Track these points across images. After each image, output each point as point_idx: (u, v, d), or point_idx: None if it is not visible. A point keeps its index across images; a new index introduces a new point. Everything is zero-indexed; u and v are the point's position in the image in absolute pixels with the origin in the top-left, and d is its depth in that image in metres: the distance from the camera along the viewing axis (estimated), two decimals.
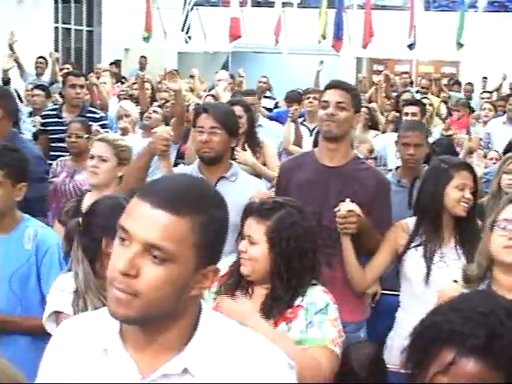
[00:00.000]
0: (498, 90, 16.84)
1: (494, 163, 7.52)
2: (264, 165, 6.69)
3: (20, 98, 10.26)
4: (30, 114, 9.39)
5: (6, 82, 10.48)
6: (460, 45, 20.16)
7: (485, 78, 20.18)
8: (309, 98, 9.49)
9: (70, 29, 20.62)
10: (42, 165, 5.71)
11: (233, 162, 4.92)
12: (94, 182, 4.91)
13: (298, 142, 8.04)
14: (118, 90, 13.76)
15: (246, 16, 20.18)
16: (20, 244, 4.01)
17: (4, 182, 3.91)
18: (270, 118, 9.91)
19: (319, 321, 3.08)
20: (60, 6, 19.72)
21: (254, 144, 6.89)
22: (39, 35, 17.12)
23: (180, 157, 7.58)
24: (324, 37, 20.26)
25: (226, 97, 9.83)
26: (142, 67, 18.79)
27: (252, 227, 3.26)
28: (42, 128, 7.73)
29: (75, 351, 1.95)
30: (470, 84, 17.76)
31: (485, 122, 11.31)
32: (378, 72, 24.90)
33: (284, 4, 20.91)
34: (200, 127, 4.65)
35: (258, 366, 1.88)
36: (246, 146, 6.76)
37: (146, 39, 20.50)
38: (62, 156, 6.67)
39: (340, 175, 4.48)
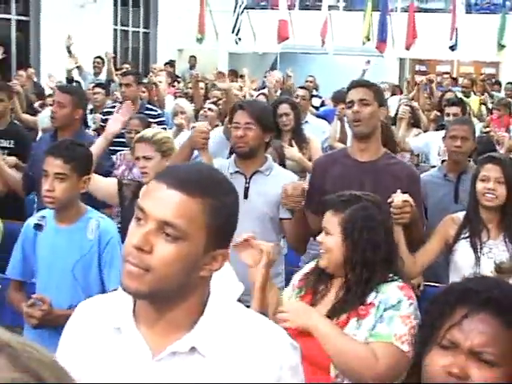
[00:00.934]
0: None
1: None
2: (310, 160, 6.66)
3: None
4: (91, 111, 9.48)
5: (70, 80, 10.61)
6: (501, 46, 20.01)
7: None
8: None
9: (127, 31, 20.75)
10: (107, 159, 5.78)
11: (268, 156, 4.88)
12: (146, 179, 4.86)
13: (342, 140, 8.00)
14: (172, 89, 13.85)
15: (294, 18, 20.15)
16: (83, 234, 4.05)
17: (70, 175, 3.96)
18: (318, 116, 9.88)
19: (389, 316, 2.99)
20: (119, 9, 19.86)
21: (301, 140, 6.91)
22: (99, 37, 17.30)
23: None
24: (368, 38, 20.22)
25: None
26: (192, 66, 18.86)
27: (328, 219, 3.23)
28: (103, 124, 7.69)
29: (91, 329, 1.98)
30: (511, 83, 17.59)
31: None
32: (421, 72, 24.85)
33: (330, 7, 20.94)
34: (236, 123, 4.65)
35: (263, 346, 1.90)
36: (292, 141, 6.77)
37: (199, 40, 20.57)
38: (122, 150, 6.73)
39: (372, 170, 4.47)
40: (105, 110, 8.19)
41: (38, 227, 4.14)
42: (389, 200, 4.06)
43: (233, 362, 1.85)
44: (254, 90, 13.49)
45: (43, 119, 8.58)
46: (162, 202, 1.79)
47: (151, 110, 7.95)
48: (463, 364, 1.83)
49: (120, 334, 1.91)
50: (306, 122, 7.82)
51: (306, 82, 14.61)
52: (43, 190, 3.99)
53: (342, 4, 21.98)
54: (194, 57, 19.38)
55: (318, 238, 3.28)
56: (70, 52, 11.81)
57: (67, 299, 3.94)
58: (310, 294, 3.25)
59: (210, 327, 1.88)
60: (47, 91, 11.31)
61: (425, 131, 9.61)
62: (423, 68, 25.24)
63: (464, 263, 4.36)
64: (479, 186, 4.37)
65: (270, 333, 1.95)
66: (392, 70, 23.00)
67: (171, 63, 18.85)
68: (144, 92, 8.47)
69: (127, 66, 14.09)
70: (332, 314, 3.09)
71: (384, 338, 2.95)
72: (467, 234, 4.43)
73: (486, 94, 14.54)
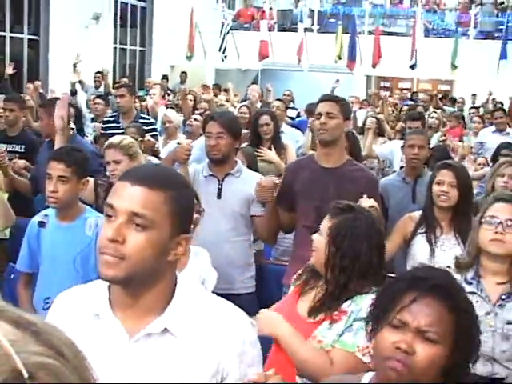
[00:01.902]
0: (484, 105, 16.76)
1: (482, 168, 7.48)
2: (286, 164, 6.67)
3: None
4: (92, 120, 9.41)
5: (74, 92, 10.58)
6: (454, 66, 20.09)
7: (474, 94, 20.12)
8: None
9: (125, 49, 20.66)
10: (96, 159, 5.74)
11: (238, 160, 4.93)
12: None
13: (313, 147, 8.00)
14: (164, 101, 13.79)
15: (274, 39, 20.15)
16: (82, 231, 4.07)
17: (71, 178, 3.99)
18: (292, 126, 9.84)
19: (357, 328, 2.88)
20: (118, 29, 19.80)
21: (279, 147, 6.92)
22: (101, 54, 17.24)
23: None
24: (340, 57, 20.22)
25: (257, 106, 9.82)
26: (183, 81, 18.84)
27: (324, 222, 3.16)
28: (103, 132, 7.73)
29: (71, 316, 1.99)
30: (461, 98, 17.75)
31: (475, 133, 11.24)
32: (385, 88, 24.96)
33: (306, 29, 20.97)
34: (208, 133, 4.69)
35: (227, 325, 1.93)
36: (272, 148, 6.77)
37: (189, 58, 20.52)
38: None
39: (335, 175, 4.48)
40: (104, 119, 8.14)
41: (42, 224, 4.16)
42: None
43: (201, 340, 1.89)
44: (237, 102, 13.50)
45: None
46: (129, 196, 1.83)
47: (145, 118, 7.95)
48: (410, 341, 1.93)
49: (98, 320, 1.93)
50: (282, 131, 7.79)
51: (284, 95, 14.66)
52: (47, 192, 4.01)
53: (316, 27, 21.96)
54: (185, 73, 19.36)
55: (313, 236, 3.23)
56: (75, 68, 11.79)
57: (69, 288, 3.91)
58: (301, 287, 3.22)
59: (179, 310, 1.91)
60: None
61: (389, 139, 9.61)
62: (387, 84, 25.33)
63: (421, 255, 4.43)
64: (435, 188, 4.46)
65: (232, 313, 1.99)
66: (360, 85, 23.03)
67: (165, 78, 18.89)
68: (135, 103, 8.36)
69: (125, 79, 14.07)
70: (310, 313, 3.04)
71: (348, 347, 2.88)
72: (423, 230, 4.53)
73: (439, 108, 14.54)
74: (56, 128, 5.42)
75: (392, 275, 4.87)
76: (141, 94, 14.45)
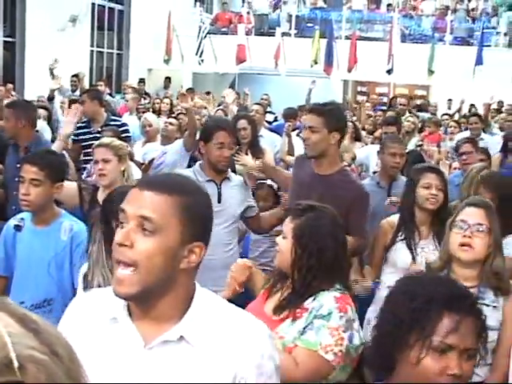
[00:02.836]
0: (458, 111, 16.89)
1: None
2: None
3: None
4: None
5: (51, 98, 10.53)
6: (431, 71, 20.18)
7: (450, 99, 20.20)
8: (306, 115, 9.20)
9: (102, 52, 20.60)
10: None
11: None
12: (104, 183, 4.83)
13: (290, 152, 8.01)
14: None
15: (251, 43, 20.14)
16: (57, 235, 4.03)
17: (44, 181, 3.95)
18: (270, 130, 9.84)
19: (318, 326, 2.90)
20: (95, 32, 19.72)
21: (257, 151, 6.87)
22: (77, 57, 17.15)
23: (194, 162, 7.53)
24: (316, 62, 20.26)
25: (234, 109, 9.77)
26: (166, 86, 18.82)
27: (286, 223, 3.18)
28: (75, 138, 7.69)
29: (88, 320, 1.97)
30: (434, 103, 17.88)
31: (451, 138, 11.30)
32: (362, 93, 25.05)
33: (283, 34, 20.95)
34: (221, 143, 4.70)
35: (245, 336, 1.90)
36: (249, 152, 6.74)
37: (166, 61, 20.45)
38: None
39: (325, 181, 4.49)
40: (77, 126, 8.08)
41: (17, 228, 4.12)
42: None
43: (218, 350, 1.86)
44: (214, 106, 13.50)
45: None
46: (137, 201, 1.84)
47: (116, 120, 7.99)
48: (459, 363, 1.95)
49: (115, 324, 1.91)
50: (261, 135, 7.78)
51: (261, 99, 14.66)
52: (20, 194, 3.98)
53: (293, 31, 21.98)
54: (169, 78, 19.35)
55: (276, 239, 3.26)
56: (52, 73, 11.70)
57: (43, 293, 3.95)
58: (269, 289, 3.23)
59: (197, 318, 1.88)
60: None
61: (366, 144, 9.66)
62: (364, 89, 25.40)
63: (402, 262, 4.44)
64: (423, 192, 4.46)
65: (251, 324, 1.96)
66: (337, 90, 23.12)
67: (142, 81, 18.85)
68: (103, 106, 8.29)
69: (101, 83, 14.01)
70: (275, 311, 3.05)
71: (310, 346, 2.88)
72: (403, 237, 4.52)
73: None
74: (62, 134, 5.65)
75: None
76: (117, 97, 14.40)
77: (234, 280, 3.48)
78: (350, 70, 19.95)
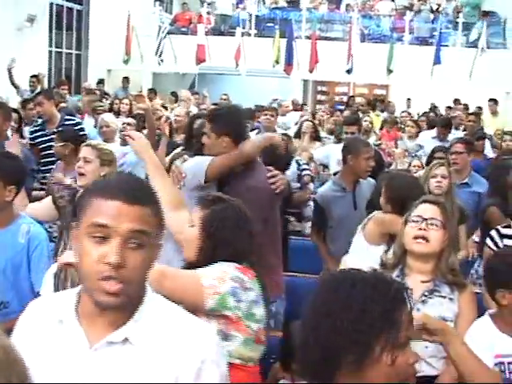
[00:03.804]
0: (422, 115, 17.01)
1: (417, 170, 7.61)
2: None
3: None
4: (26, 124, 9.25)
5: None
6: (390, 71, 20.32)
7: (409, 99, 20.39)
8: (266, 114, 9.24)
9: (61, 52, 20.39)
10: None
11: None
12: (80, 183, 4.85)
13: None
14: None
15: (211, 43, 20.14)
16: (15, 237, 3.98)
17: None
18: None
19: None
20: (54, 32, 19.52)
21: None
22: (36, 57, 16.95)
23: None
24: (277, 62, 20.30)
25: (194, 110, 9.80)
26: (125, 87, 18.73)
27: (194, 214, 3.31)
28: (31, 142, 7.68)
29: (38, 323, 1.97)
30: (390, 101, 18.06)
31: (409, 136, 11.41)
32: (322, 92, 25.15)
33: (243, 33, 21.01)
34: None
35: (188, 340, 1.90)
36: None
37: (126, 62, 20.36)
38: (51, 161, 6.81)
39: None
40: (32, 129, 8.07)
41: None
42: None
43: (161, 353, 1.87)
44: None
45: None
46: (127, 216, 1.80)
47: (71, 120, 7.95)
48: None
49: (62, 326, 1.91)
50: None
51: (220, 99, 14.77)
52: None
53: (253, 31, 21.98)
54: (127, 78, 19.26)
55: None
56: (10, 74, 11.60)
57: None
58: None
59: (144, 321, 1.89)
60: None
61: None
62: (324, 88, 25.49)
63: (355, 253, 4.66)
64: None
65: (197, 329, 1.96)
66: (297, 89, 23.17)
67: (101, 82, 18.73)
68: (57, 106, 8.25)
69: (65, 87, 13.93)
70: None
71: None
72: None
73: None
74: None
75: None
76: (75, 98, 14.28)
77: None
78: (311, 70, 20.01)
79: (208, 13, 22.38)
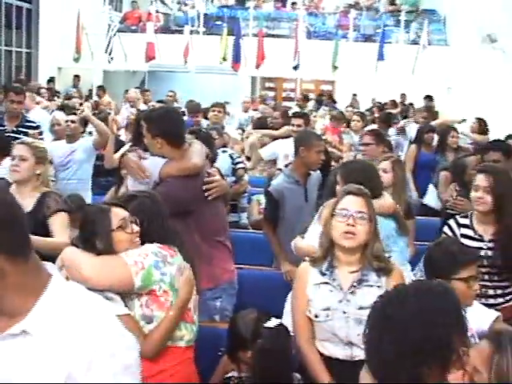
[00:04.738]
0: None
1: None
2: None
3: None
4: None
5: None
6: (335, 67, 20.48)
7: (355, 94, 20.55)
8: (214, 110, 9.31)
9: (11, 51, 20.11)
10: None
11: None
12: (15, 178, 4.81)
13: None
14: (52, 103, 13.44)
15: (160, 41, 20.06)
16: None
17: None
18: None
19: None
20: (3, 30, 19.22)
21: None
22: None
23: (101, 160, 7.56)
24: (225, 59, 20.32)
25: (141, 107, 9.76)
26: (75, 85, 18.56)
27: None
28: None
29: None
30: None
31: (355, 130, 11.46)
32: (269, 88, 25.25)
33: (192, 31, 20.99)
34: None
35: (82, 330, 1.84)
36: None
37: (76, 60, 20.15)
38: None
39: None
40: None
41: None
42: None
43: (56, 343, 1.83)
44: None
45: None
46: None
47: (31, 122, 7.84)
48: None
49: None
50: None
51: (166, 96, 14.79)
52: None
53: (202, 29, 21.94)
54: (78, 76, 19.05)
55: None
56: None
57: None
58: None
59: (44, 312, 1.85)
60: None
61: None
62: (272, 85, 25.59)
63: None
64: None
65: (97, 320, 1.90)
66: (245, 86, 23.23)
67: (52, 80, 18.53)
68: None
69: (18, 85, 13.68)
70: None
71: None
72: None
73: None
74: None
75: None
76: None
77: None
78: (258, 67, 20.04)
79: (157, 11, 22.26)
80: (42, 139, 7.45)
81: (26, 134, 7.25)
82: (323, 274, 3.55)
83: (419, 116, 11.93)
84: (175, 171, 4.40)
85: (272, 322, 3.70)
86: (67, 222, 4.73)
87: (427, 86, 19.13)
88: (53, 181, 7.55)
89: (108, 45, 19.47)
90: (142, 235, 3.36)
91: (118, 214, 3.33)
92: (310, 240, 4.54)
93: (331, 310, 3.48)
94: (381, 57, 19.84)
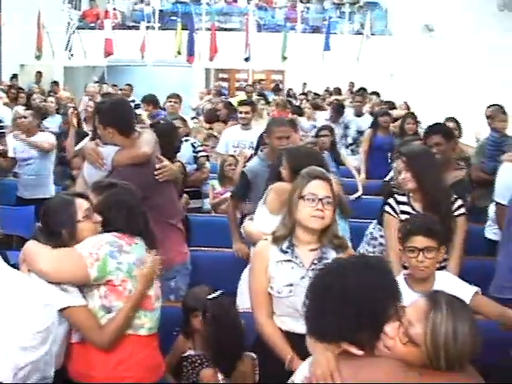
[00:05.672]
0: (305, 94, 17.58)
1: None
2: None
3: None
4: None
5: None
6: (284, 58, 20.81)
7: (304, 83, 21.00)
8: (170, 101, 9.32)
9: None
10: None
11: None
12: None
13: None
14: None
15: (118, 37, 20.23)
16: None
17: None
18: None
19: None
20: None
21: None
22: None
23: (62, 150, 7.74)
24: (179, 52, 20.53)
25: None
26: (37, 81, 18.61)
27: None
28: None
29: None
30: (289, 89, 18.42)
31: (308, 117, 11.90)
32: (223, 79, 25.53)
33: (147, 27, 21.21)
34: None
35: (17, 302, 1.92)
36: None
37: (38, 57, 20.24)
38: None
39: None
40: None
41: None
42: None
43: None
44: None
45: None
46: None
47: None
48: None
49: None
50: None
51: (121, 90, 14.89)
52: None
53: (157, 25, 22.16)
54: (40, 72, 19.11)
55: None
56: None
57: None
58: None
59: None
60: None
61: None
62: (225, 76, 25.84)
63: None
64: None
65: (25, 290, 1.97)
66: (200, 78, 23.48)
67: (15, 77, 18.57)
68: None
69: None
70: None
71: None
72: None
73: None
74: None
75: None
76: None
77: None
78: (211, 59, 20.30)
79: (114, 9, 22.43)
80: (3, 134, 7.56)
81: None
82: (284, 252, 3.54)
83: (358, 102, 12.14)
84: (125, 159, 4.44)
85: (215, 294, 3.86)
86: None
87: (371, 74, 19.64)
88: (15, 176, 7.69)
89: (68, 42, 19.61)
90: (107, 223, 3.35)
91: (82, 205, 3.25)
92: (258, 224, 4.62)
93: (294, 286, 3.46)
94: (327, 47, 20.33)
